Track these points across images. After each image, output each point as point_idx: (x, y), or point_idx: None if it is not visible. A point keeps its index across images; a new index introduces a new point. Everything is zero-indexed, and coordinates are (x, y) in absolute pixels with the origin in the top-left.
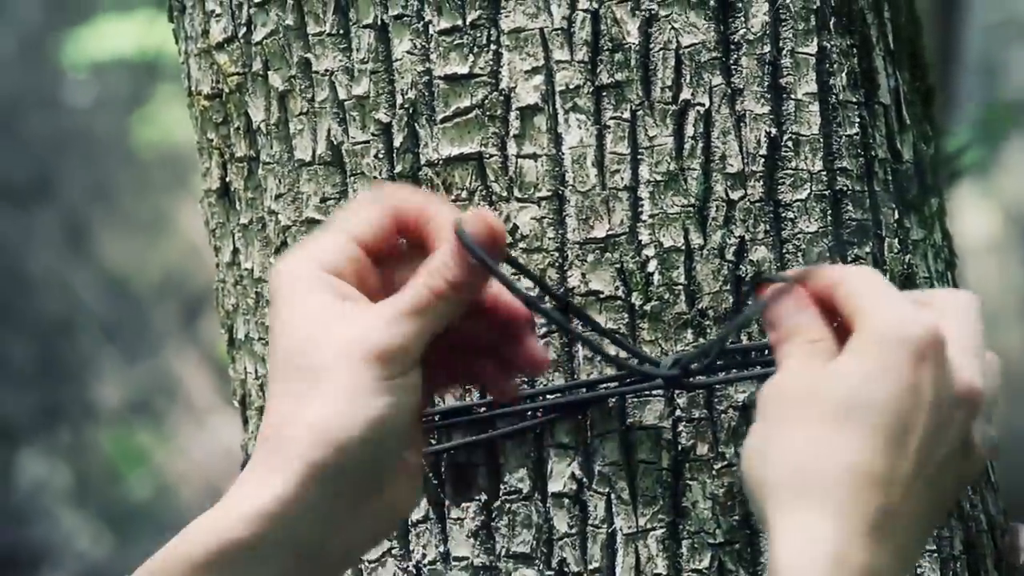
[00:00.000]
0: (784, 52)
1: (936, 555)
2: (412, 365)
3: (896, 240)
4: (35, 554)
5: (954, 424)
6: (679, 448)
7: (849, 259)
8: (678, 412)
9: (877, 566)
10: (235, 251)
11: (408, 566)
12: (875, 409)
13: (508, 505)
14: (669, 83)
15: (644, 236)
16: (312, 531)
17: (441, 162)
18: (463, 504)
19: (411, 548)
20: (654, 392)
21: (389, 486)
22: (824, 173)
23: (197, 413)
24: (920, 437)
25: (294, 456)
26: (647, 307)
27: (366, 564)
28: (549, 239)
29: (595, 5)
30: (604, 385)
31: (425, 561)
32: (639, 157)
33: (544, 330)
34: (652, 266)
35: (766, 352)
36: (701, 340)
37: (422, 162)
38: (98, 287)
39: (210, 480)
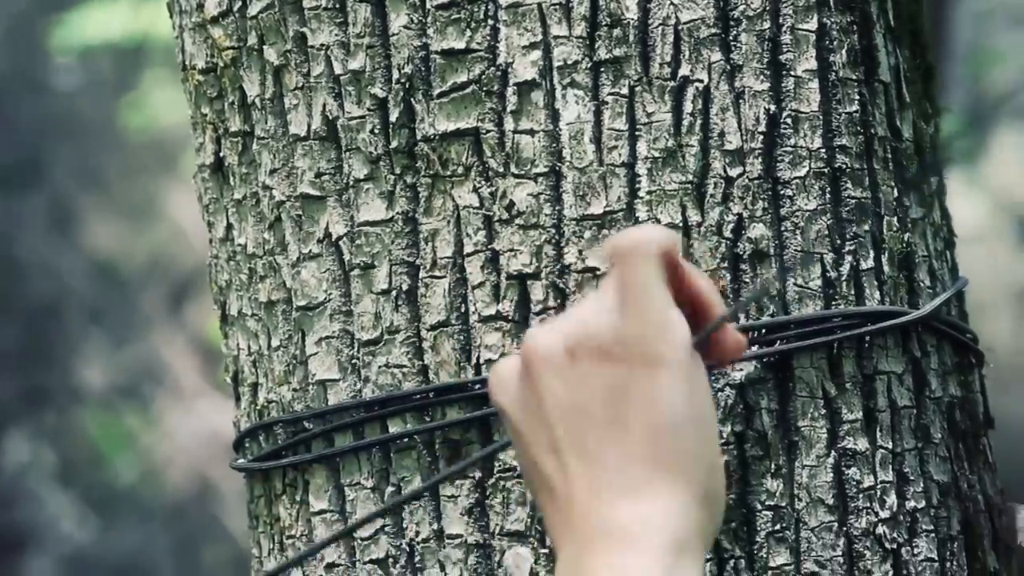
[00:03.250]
0: (784, 28)
1: (933, 535)
2: None
3: (895, 218)
4: (20, 537)
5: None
6: None
7: (848, 237)
8: None
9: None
10: (229, 227)
11: (401, 543)
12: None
13: (502, 483)
14: (668, 59)
15: (642, 213)
16: None
17: (437, 137)
18: (457, 481)
19: (404, 526)
20: None
21: None
22: (823, 151)
23: (183, 397)
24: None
25: None
26: None
27: (359, 541)
28: (546, 215)
29: None
30: None
31: (418, 539)
32: (637, 134)
33: None
34: None
35: (763, 332)
36: None
37: (418, 137)
38: (85, 271)
39: (196, 464)
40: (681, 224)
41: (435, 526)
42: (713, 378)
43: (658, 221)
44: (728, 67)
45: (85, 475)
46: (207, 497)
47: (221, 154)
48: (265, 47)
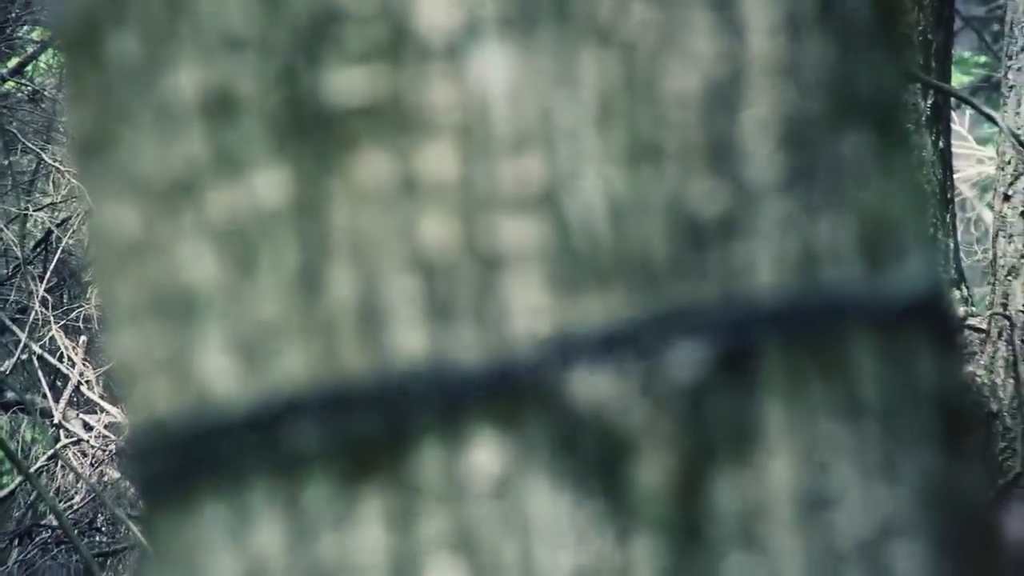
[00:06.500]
0: None
1: (923, 540)
2: None
3: (868, 182)
4: None
5: None
6: (622, 425)
7: (822, 204)
8: (620, 385)
9: None
10: (111, 209)
11: (311, 565)
12: None
13: (423, 497)
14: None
15: (584, 181)
16: None
17: (341, 105)
18: (371, 497)
19: (314, 548)
20: (595, 362)
21: None
22: (793, 109)
23: (74, 397)
24: None
25: None
26: (586, 263)
27: None
28: (470, 186)
29: None
30: (534, 355)
31: (331, 560)
32: (575, 91)
33: None
34: (594, 216)
35: (725, 315)
36: (652, 299)
37: (320, 105)
38: None
39: (90, 473)
40: (630, 193)
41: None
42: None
43: (603, 190)
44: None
45: None
46: (106, 511)
47: (100, 129)
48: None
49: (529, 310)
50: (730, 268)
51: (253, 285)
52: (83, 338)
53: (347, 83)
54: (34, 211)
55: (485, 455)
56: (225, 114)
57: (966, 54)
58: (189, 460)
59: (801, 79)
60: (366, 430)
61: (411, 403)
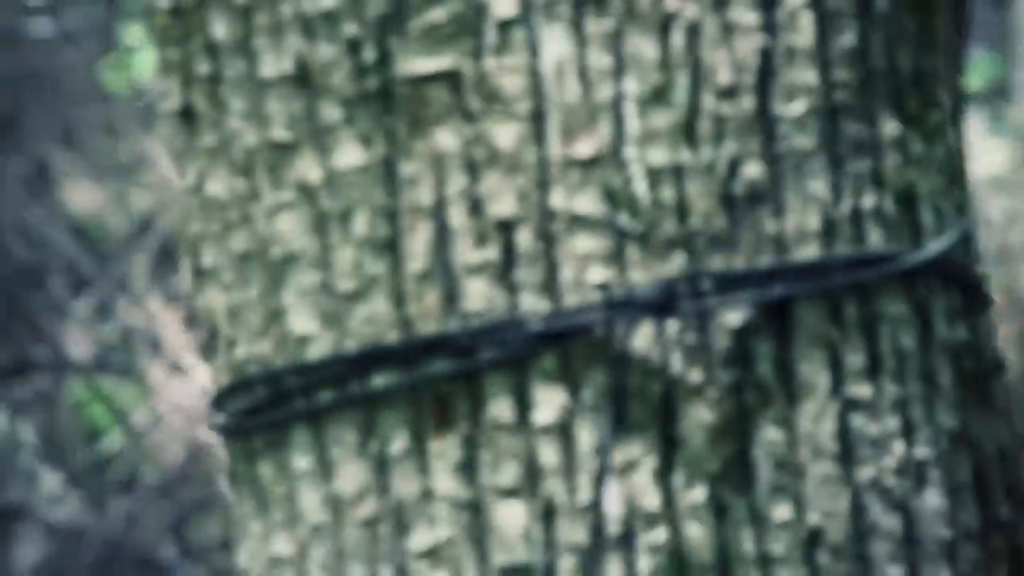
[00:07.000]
0: None
1: (943, 485)
2: None
3: (896, 155)
4: (6, 513)
5: None
6: (671, 375)
7: (847, 175)
8: (669, 338)
9: None
10: (199, 175)
11: (388, 502)
12: None
13: (492, 437)
14: None
15: (630, 153)
16: None
17: (414, 78)
18: (445, 437)
19: (390, 484)
20: (643, 318)
21: None
22: (819, 86)
23: (172, 365)
24: None
25: None
26: (635, 228)
27: (346, 502)
28: (530, 157)
29: None
30: (590, 312)
31: (407, 497)
32: (623, 70)
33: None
34: (639, 185)
35: (760, 276)
36: (693, 263)
37: (394, 78)
38: (66, 235)
39: (188, 434)
40: (673, 164)
41: (423, 483)
42: (708, 325)
43: (648, 162)
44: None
45: (72, 447)
46: (200, 467)
47: (189, 99)
48: None
49: (585, 270)
50: (766, 231)
51: (336, 243)
52: (178, 308)
53: (427, 55)
54: (134, 191)
55: (547, 400)
56: (312, 85)
57: (979, 53)
58: (278, 402)
59: (836, 55)
60: (441, 377)
61: (480, 352)
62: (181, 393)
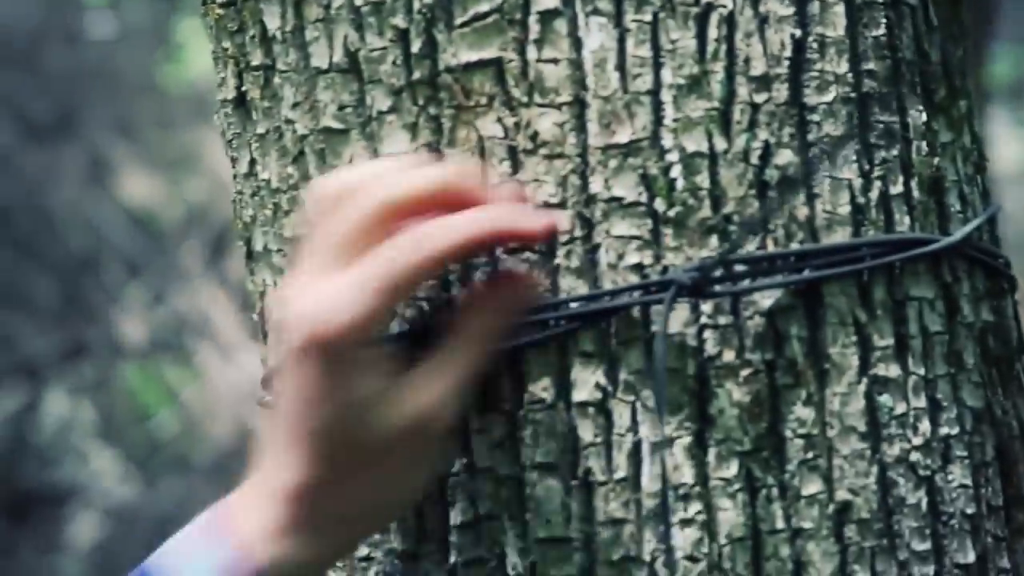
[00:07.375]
0: None
1: (967, 462)
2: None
3: (924, 143)
4: (61, 493)
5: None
6: (705, 355)
7: (876, 162)
8: (703, 319)
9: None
10: (252, 162)
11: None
12: None
13: (532, 415)
14: None
15: (667, 141)
16: None
17: (460, 68)
18: (486, 414)
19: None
20: (678, 299)
21: None
22: (850, 75)
23: (224, 349)
24: None
25: None
26: (671, 213)
27: None
28: (571, 145)
29: None
30: (627, 293)
31: (448, 473)
32: (661, 60)
33: (566, 237)
34: (675, 171)
35: (791, 259)
36: (726, 246)
37: (440, 68)
38: (122, 224)
39: (237, 416)
40: (707, 152)
41: (465, 460)
42: (741, 306)
43: (684, 149)
44: None
45: (126, 430)
46: (251, 449)
47: (243, 88)
48: None
49: (623, 253)
50: (798, 216)
51: None
52: (229, 294)
53: (472, 46)
54: (188, 182)
55: (585, 379)
56: (361, 75)
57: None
58: None
59: (866, 46)
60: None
61: (522, 332)
62: (232, 375)
